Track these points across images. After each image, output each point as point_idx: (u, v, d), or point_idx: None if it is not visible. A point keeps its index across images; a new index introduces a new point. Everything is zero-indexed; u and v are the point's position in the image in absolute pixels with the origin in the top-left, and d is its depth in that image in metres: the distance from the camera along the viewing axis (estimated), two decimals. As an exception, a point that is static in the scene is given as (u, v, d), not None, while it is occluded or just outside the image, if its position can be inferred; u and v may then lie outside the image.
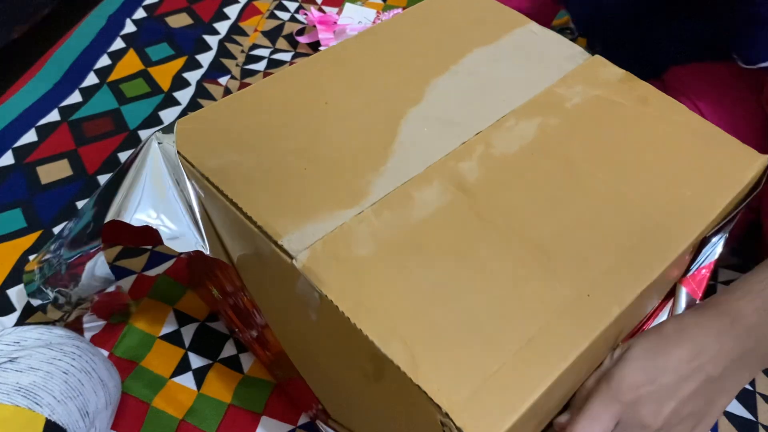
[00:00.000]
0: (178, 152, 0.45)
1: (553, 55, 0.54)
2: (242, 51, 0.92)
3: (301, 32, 0.97)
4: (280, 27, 0.98)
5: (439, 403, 0.33)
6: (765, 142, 0.65)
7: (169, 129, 0.47)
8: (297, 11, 1.01)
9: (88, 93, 0.84)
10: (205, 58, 0.91)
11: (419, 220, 0.42)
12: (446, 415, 0.33)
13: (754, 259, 0.62)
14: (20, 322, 0.60)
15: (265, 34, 0.96)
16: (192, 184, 0.45)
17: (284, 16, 1.00)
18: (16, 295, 0.62)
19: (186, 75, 0.88)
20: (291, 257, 0.39)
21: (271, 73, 0.73)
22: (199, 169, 0.44)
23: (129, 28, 0.95)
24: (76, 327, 0.59)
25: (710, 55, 0.67)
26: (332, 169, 0.44)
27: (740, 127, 0.62)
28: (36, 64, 0.87)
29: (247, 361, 0.56)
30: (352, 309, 0.37)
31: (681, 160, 0.47)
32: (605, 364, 0.42)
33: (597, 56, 0.54)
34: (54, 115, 0.81)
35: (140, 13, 0.98)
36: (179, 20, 0.98)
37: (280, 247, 0.40)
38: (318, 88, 0.50)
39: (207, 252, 0.46)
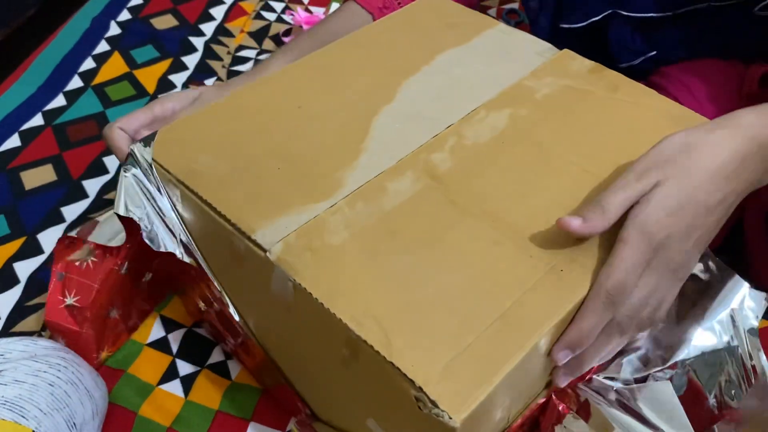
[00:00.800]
0: (154, 160, 0.46)
1: (522, 53, 0.55)
2: (228, 52, 0.92)
3: (287, 33, 0.97)
4: (267, 28, 0.97)
5: (413, 377, 0.33)
6: None
7: (148, 140, 0.48)
8: (283, 12, 1.01)
9: (72, 97, 0.83)
10: (191, 60, 0.90)
11: (392, 209, 0.42)
12: (420, 389, 0.33)
13: (742, 258, 0.62)
14: (4, 333, 0.60)
15: (252, 35, 0.96)
16: (167, 193, 0.46)
17: (270, 16, 1.00)
18: (1, 302, 0.62)
19: (172, 77, 0.87)
20: (265, 251, 0.40)
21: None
22: (174, 175, 0.45)
23: (113, 30, 0.94)
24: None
25: (698, 53, 0.68)
26: (306, 167, 0.45)
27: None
28: (19, 68, 0.86)
29: (234, 367, 0.56)
30: (325, 295, 0.37)
31: (649, 140, 0.47)
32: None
33: (566, 50, 0.56)
34: (38, 120, 0.80)
35: (125, 15, 0.97)
36: (164, 22, 0.97)
37: (254, 242, 0.40)
38: (293, 93, 0.51)
39: (181, 257, 0.47)
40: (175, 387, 0.54)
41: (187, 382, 0.54)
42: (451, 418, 0.32)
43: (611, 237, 0.40)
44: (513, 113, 0.49)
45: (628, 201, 0.40)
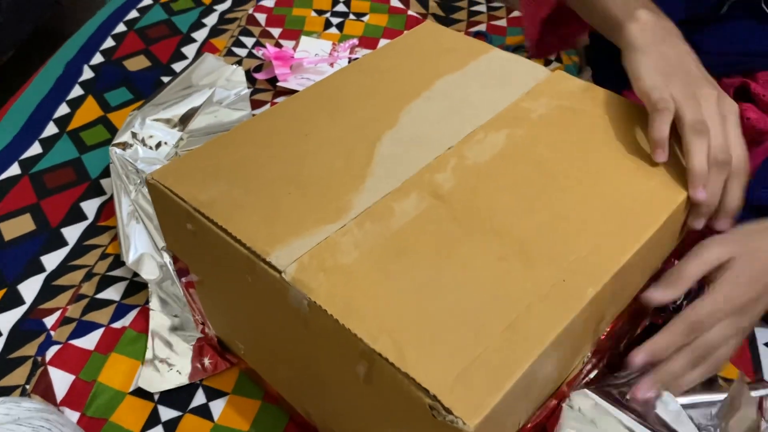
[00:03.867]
0: (169, 189, 0.48)
1: (517, 75, 0.58)
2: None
3: (258, 69, 0.98)
4: (238, 64, 0.98)
5: (427, 386, 0.35)
6: None
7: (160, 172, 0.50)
8: (254, 47, 1.03)
9: (48, 143, 0.84)
10: None
11: (399, 228, 0.44)
12: (434, 397, 0.34)
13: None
14: None
15: None
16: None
17: (242, 52, 1.01)
18: None
19: None
20: (280, 272, 0.41)
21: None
22: (190, 203, 0.47)
23: (87, 74, 0.95)
24: (46, 390, 0.59)
25: None
26: (315, 191, 0.47)
27: None
28: None
29: (217, 408, 0.57)
30: (340, 311, 0.39)
31: (645, 155, 0.50)
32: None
33: (558, 71, 0.58)
34: (14, 169, 0.80)
35: (98, 58, 0.98)
36: (137, 63, 0.98)
37: (269, 264, 0.42)
38: (299, 122, 0.53)
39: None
40: (158, 433, 0.55)
41: (170, 428, 0.55)
42: (465, 424, 0.33)
43: (613, 245, 0.42)
44: (510, 133, 0.51)
45: (704, 270, 0.47)
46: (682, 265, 0.47)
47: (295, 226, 0.44)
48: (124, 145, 0.76)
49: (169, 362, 0.61)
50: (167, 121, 0.79)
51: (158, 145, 0.78)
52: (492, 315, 0.38)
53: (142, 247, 0.68)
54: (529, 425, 0.42)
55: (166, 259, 0.67)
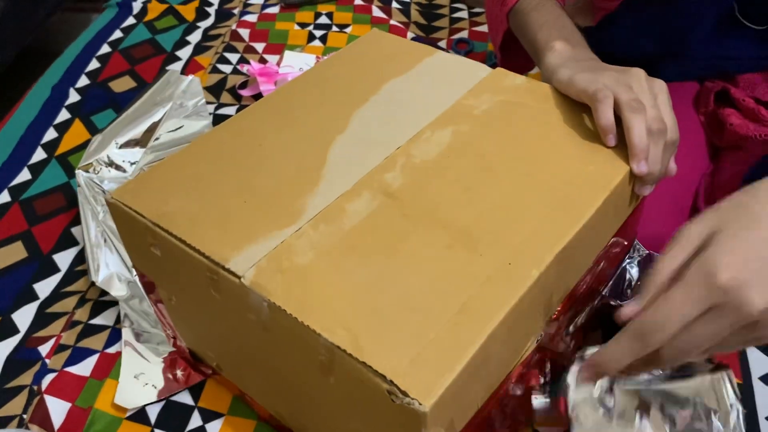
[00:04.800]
0: (128, 206, 0.49)
1: (459, 75, 0.60)
2: None
3: (243, 85, 0.99)
4: (223, 81, 1.00)
5: (384, 372, 0.37)
6: (707, 149, 0.71)
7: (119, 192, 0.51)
8: (238, 63, 1.03)
9: (36, 169, 0.84)
10: None
11: (352, 227, 0.46)
12: (391, 382, 0.36)
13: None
14: None
15: (209, 89, 0.98)
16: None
17: (226, 69, 1.02)
18: None
19: None
20: (239, 277, 0.43)
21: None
22: (149, 218, 0.48)
23: (73, 97, 0.95)
24: (44, 419, 0.60)
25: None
26: (270, 198, 0.49)
27: (688, 139, 0.68)
28: None
29: (213, 430, 0.58)
30: (298, 310, 0.41)
31: (583, 142, 0.52)
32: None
33: (499, 68, 0.60)
34: (4, 197, 0.80)
35: (83, 81, 0.98)
36: (122, 84, 0.99)
37: (228, 270, 0.44)
38: (252, 133, 0.55)
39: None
40: (155, 457, 0.56)
41: (168, 451, 0.56)
42: (421, 405, 0.35)
43: (554, 227, 0.44)
44: (455, 130, 0.54)
45: (677, 261, 0.39)
46: (656, 268, 0.41)
47: (253, 233, 0.46)
48: (90, 168, 0.77)
49: (144, 377, 0.62)
50: (130, 140, 0.81)
51: (123, 164, 0.79)
52: (442, 300, 0.40)
53: (111, 267, 0.69)
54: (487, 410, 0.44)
55: (135, 277, 0.69)
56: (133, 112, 0.84)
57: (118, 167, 0.78)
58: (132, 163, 0.78)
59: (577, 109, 0.55)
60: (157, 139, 0.81)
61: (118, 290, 0.68)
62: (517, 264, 0.43)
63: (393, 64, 0.62)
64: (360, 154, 0.52)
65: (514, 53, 0.73)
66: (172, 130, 0.82)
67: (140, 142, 0.80)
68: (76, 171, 0.76)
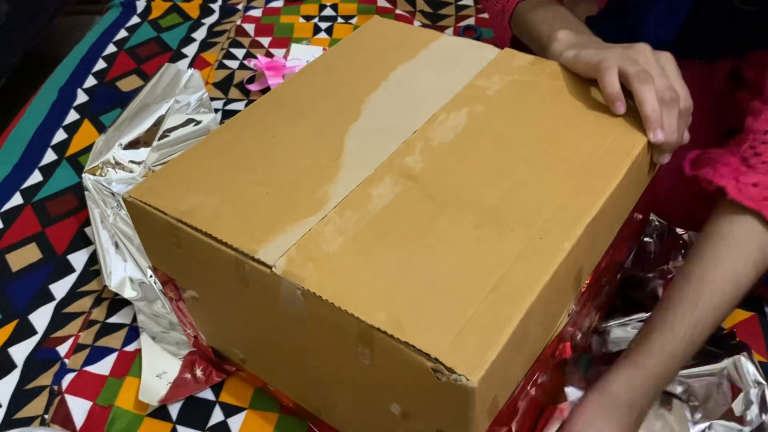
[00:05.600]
0: (148, 204, 0.49)
1: (468, 57, 0.60)
2: None
3: (251, 80, 0.99)
4: (231, 76, 0.99)
5: (428, 351, 0.37)
6: (717, 129, 0.71)
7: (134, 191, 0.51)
8: (245, 59, 1.03)
9: (47, 171, 0.84)
10: None
11: (379, 211, 0.46)
12: (436, 360, 0.36)
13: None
14: (7, 419, 0.60)
15: (217, 85, 0.98)
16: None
17: (233, 64, 1.02)
18: (1, 390, 0.63)
19: None
20: (270, 267, 0.43)
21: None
22: (171, 215, 0.48)
23: (81, 98, 0.95)
24: (65, 419, 0.60)
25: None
26: (291, 189, 0.48)
27: (697, 118, 0.68)
28: None
29: (236, 424, 0.58)
30: (334, 296, 0.40)
31: (598, 115, 0.52)
32: None
33: (507, 49, 0.61)
34: (17, 199, 0.81)
35: (91, 81, 0.99)
36: (130, 83, 0.99)
37: (258, 261, 0.43)
38: (263, 127, 0.55)
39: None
40: (178, 453, 0.55)
41: (190, 447, 0.56)
42: (468, 380, 0.35)
43: (581, 200, 0.44)
44: (470, 111, 0.54)
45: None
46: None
47: (278, 223, 0.46)
48: (97, 170, 0.76)
49: (166, 377, 0.61)
50: (135, 140, 0.80)
51: (130, 164, 0.78)
52: (476, 279, 0.40)
53: (124, 269, 0.68)
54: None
55: (149, 278, 0.68)
56: (134, 110, 0.83)
57: (124, 168, 0.77)
58: (138, 163, 0.78)
59: (588, 84, 0.55)
60: (162, 136, 0.80)
61: (132, 293, 0.67)
62: (549, 238, 0.43)
63: (399, 50, 0.62)
64: (377, 140, 0.52)
65: None
66: (177, 127, 0.81)
67: (145, 141, 0.80)
68: (83, 175, 0.75)
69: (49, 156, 0.87)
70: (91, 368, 0.64)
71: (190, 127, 0.83)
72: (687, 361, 0.53)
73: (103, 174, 0.76)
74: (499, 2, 0.70)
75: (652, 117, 0.49)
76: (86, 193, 0.74)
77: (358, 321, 0.39)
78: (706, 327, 0.52)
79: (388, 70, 0.60)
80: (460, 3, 1.16)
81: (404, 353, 0.38)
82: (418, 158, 0.50)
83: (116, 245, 0.70)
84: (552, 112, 0.53)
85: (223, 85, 0.98)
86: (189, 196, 0.49)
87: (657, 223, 0.60)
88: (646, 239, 0.59)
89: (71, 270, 0.74)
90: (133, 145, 0.79)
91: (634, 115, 0.51)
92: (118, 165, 0.77)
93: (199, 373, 0.62)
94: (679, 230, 0.60)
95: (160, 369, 0.63)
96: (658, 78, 0.51)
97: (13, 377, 0.64)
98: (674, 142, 0.51)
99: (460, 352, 0.37)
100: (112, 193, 0.74)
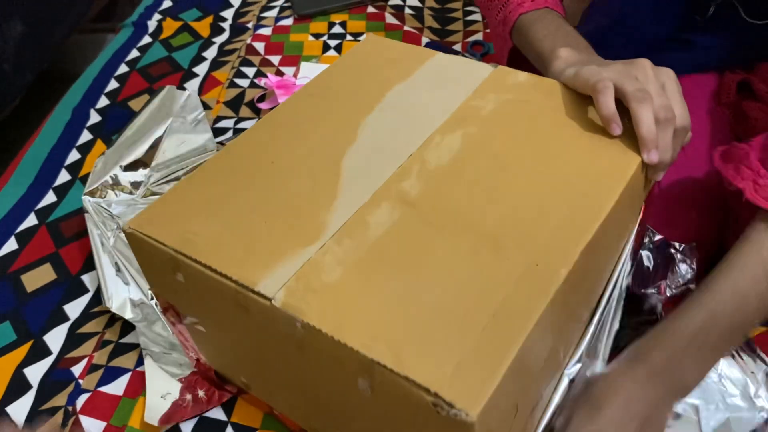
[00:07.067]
0: (148, 236, 0.49)
1: (462, 76, 0.60)
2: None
3: (261, 98, 0.99)
4: (242, 95, 1.00)
5: (428, 385, 0.37)
6: (727, 141, 0.71)
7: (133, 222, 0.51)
8: (255, 77, 1.04)
9: (61, 192, 0.85)
10: None
11: (377, 239, 0.46)
12: (435, 394, 0.37)
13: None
14: None
15: (228, 104, 0.99)
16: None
17: (244, 83, 1.03)
18: (16, 410, 0.63)
19: None
20: (269, 299, 0.43)
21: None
22: (171, 246, 0.48)
23: (94, 118, 0.97)
24: None
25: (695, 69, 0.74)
26: (290, 216, 0.49)
27: (709, 132, 0.68)
28: (9, 168, 0.89)
29: None
30: (333, 328, 0.41)
31: (593, 135, 0.53)
32: None
33: (501, 67, 0.61)
34: (31, 220, 0.81)
35: (103, 101, 1.00)
36: (142, 102, 0.98)
37: (258, 293, 0.44)
38: (262, 151, 0.55)
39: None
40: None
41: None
42: (468, 415, 0.36)
43: (577, 223, 0.44)
44: (465, 132, 0.54)
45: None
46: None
47: (278, 253, 0.46)
48: (96, 192, 0.77)
49: (170, 397, 0.62)
50: (134, 162, 0.80)
51: (129, 186, 0.79)
52: (475, 307, 0.41)
53: (126, 291, 0.69)
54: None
55: (149, 299, 0.68)
56: (133, 131, 0.84)
57: (124, 189, 0.78)
58: (138, 184, 0.78)
59: (583, 102, 0.55)
60: (160, 157, 0.80)
61: (134, 315, 0.68)
62: (545, 264, 0.43)
63: (394, 70, 0.62)
64: (373, 164, 0.52)
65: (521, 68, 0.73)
66: (175, 146, 0.82)
67: (144, 162, 0.80)
68: (83, 197, 0.76)
69: (63, 176, 0.88)
70: (105, 388, 0.65)
71: (187, 147, 0.83)
72: (731, 338, 0.53)
73: (103, 195, 0.76)
74: (501, 12, 0.70)
75: (647, 138, 0.49)
76: (86, 215, 0.74)
77: (357, 354, 0.39)
78: (744, 302, 0.52)
79: (384, 90, 0.60)
80: (468, 18, 1.17)
81: (404, 386, 0.38)
82: (414, 182, 0.50)
83: (117, 267, 0.70)
84: (547, 132, 0.53)
85: (234, 104, 0.99)
86: (188, 226, 0.49)
87: (653, 237, 0.61)
88: (643, 253, 0.59)
89: (85, 290, 0.75)
90: (133, 166, 0.80)
91: (630, 134, 0.51)
92: (117, 186, 0.77)
93: (201, 393, 0.63)
94: (676, 244, 0.60)
95: (164, 390, 0.63)
96: (656, 97, 0.51)
97: (29, 398, 0.65)
98: (668, 161, 0.51)
99: (460, 385, 0.37)
100: (112, 216, 0.74)
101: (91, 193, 0.76)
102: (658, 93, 0.51)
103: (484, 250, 0.44)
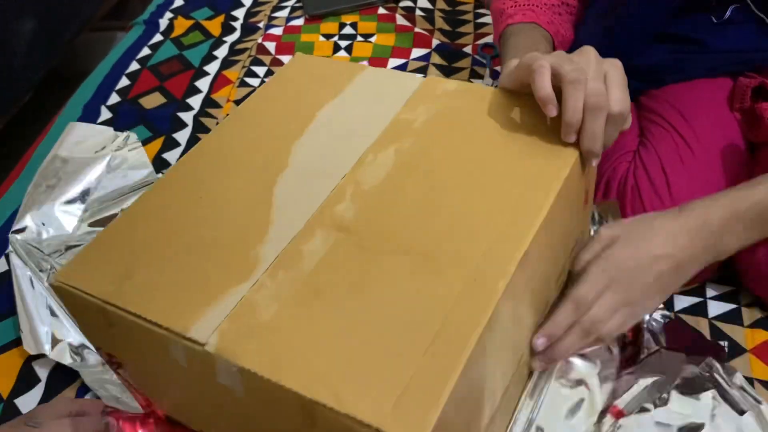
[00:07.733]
0: (76, 288, 0.47)
1: (392, 90, 0.59)
2: (217, 123, 0.91)
3: None
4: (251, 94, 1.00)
5: (369, 422, 0.35)
6: (743, 146, 0.70)
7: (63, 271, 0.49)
8: (266, 76, 1.04)
9: None
10: (182, 136, 0.93)
11: (312, 270, 0.44)
12: (377, 430, 0.35)
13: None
14: None
15: (238, 103, 0.98)
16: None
17: (254, 82, 1.03)
18: (24, 405, 0.63)
19: (165, 155, 0.90)
20: (202, 345, 0.41)
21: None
22: (99, 297, 0.46)
23: (105, 114, 0.97)
24: None
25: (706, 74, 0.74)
26: (220, 253, 0.47)
27: (722, 136, 0.69)
28: (18, 166, 0.88)
29: None
30: (271, 371, 0.39)
31: (526, 137, 0.52)
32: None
33: (430, 77, 0.60)
34: None
35: (114, 98, 1.00)
36: (153, 100, 1.00)
37: (190, 339, 0.42)
38: (190, 186, 0.53)
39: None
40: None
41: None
42: (412, 449, 0.34)
43: (513, 232, 0.44)
44: (398, 148, 0.53)
45: (591, 253, 0.55)
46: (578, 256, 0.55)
47: (209, 294, 0.44)
48: (25, 230, 0.74)
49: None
50: (68, 200, 0.78)
51: (63, 223, 0.76)
52: (415, 333, 0.39)
53: (62, 335, 0.66)
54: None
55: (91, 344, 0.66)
56: (51, 170, 0.82)
57: (56, 226, 0.75)
58: (71, 220, 0.76)
59: (515, 104, 0.55)
60: (98, 192, 0.78)
61: (72, 360, 0.65)
62: (483, 279, 0.42)
63: (324, 88, 0.61)
64: (306, 189, 0.51)
65: None
66: (115, 181, 0.80)
67: (78, 198, 0.78)
68: (9, 235, 0.73)
69: None
70: None
71: (126, 181, 0.81)
72: None
73: (32, 233, 0.73)
74: (499, 22, 0.72)
75: (569, 122, 0.48)
76: (9, 254, 0.71)
77: (297, 395, 0.38)
78: None
79: (314, 110, 0.58)
80: (478, 21, 1.16)
81: (346, 424, 0.36)
82: (349, 205, 0.49)
83: (51, 310, 0.67)
84: (480, 139, 0.52)
85: (245, 103, 1.00)
86: (117, 274, 0.47)
87: (598, 219, 0.61)
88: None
89: None
90: (65, 202, 0.77)
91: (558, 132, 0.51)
92: (49, 224, 0.75)
93: None
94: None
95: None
96: (591, 81, 0.49)
97: (38, 391, 0.65)
98: (596, 149, 0.50)
99: (402, 417, 0.36)
100: (44, 254, 0.71)
101: (20, 231, 0.73)
102: (595, 78, 0.49)
103: (421, 270, 0.43)
